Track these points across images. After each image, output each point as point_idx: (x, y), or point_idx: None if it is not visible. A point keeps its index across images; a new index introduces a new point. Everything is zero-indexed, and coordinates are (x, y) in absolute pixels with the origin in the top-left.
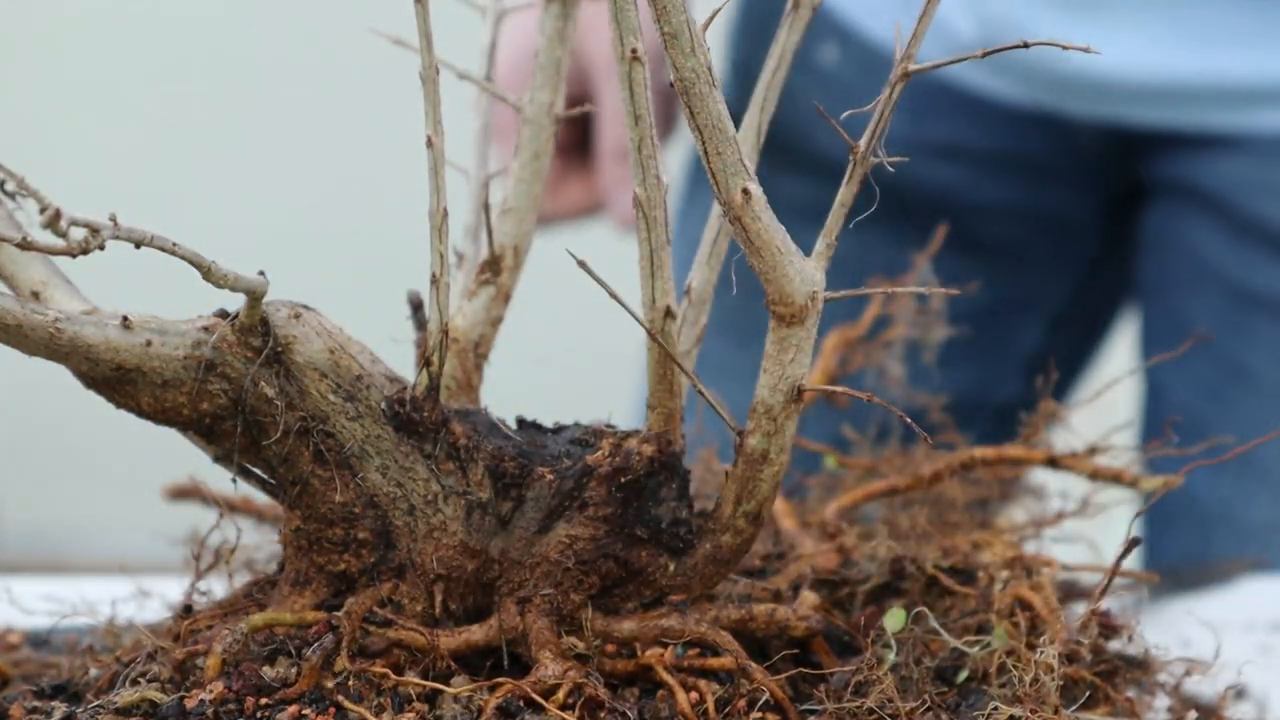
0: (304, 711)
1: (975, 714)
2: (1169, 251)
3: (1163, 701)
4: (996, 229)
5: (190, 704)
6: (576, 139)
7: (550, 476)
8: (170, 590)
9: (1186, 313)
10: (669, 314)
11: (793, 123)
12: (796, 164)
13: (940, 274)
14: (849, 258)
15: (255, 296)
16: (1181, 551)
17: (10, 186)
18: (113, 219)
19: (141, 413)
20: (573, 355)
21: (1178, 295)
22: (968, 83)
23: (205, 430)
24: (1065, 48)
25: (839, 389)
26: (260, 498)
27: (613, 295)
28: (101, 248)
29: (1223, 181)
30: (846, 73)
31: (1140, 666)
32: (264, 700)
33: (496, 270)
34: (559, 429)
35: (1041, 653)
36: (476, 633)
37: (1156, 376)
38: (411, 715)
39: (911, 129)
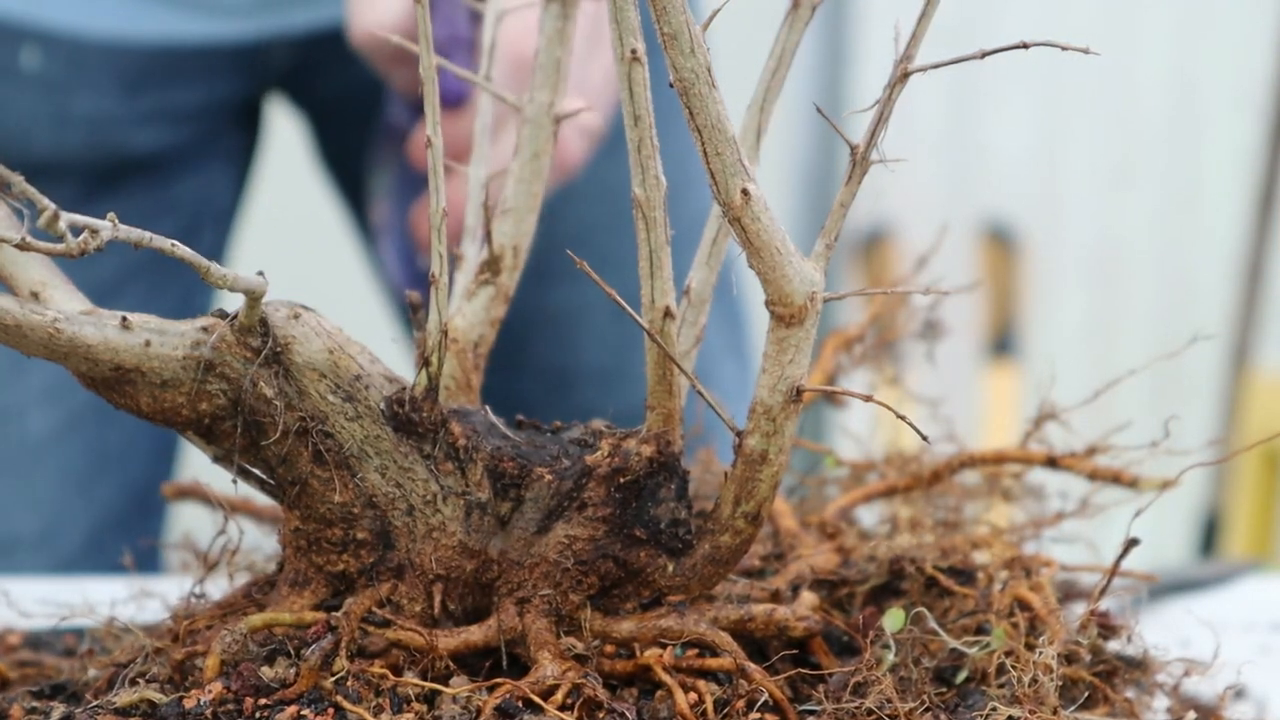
0: (303, 712)
1: (974, 714)
2: None
3: (1162, 702)
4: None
5: (189, 704)
6: None
7: (549, 477)
8: (170, 591)
9: None
10: (668, 314)
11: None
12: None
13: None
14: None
15: (254, 297)
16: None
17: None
18: (112, 219)
19: (141, 413)
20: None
21: None
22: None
23: (204, 430)
24: (1064, 48)
25: (838, 389)
26: (260, 498)
27: (612, 295)
28: (101, 248)
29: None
30: (53, 72)
31: (1139, 667)
32: (263, 701)
33: (496, 270)
34: (558, 429)
35: (1040, 653)
36: (475, 633)
37: None
38: (410, 716)
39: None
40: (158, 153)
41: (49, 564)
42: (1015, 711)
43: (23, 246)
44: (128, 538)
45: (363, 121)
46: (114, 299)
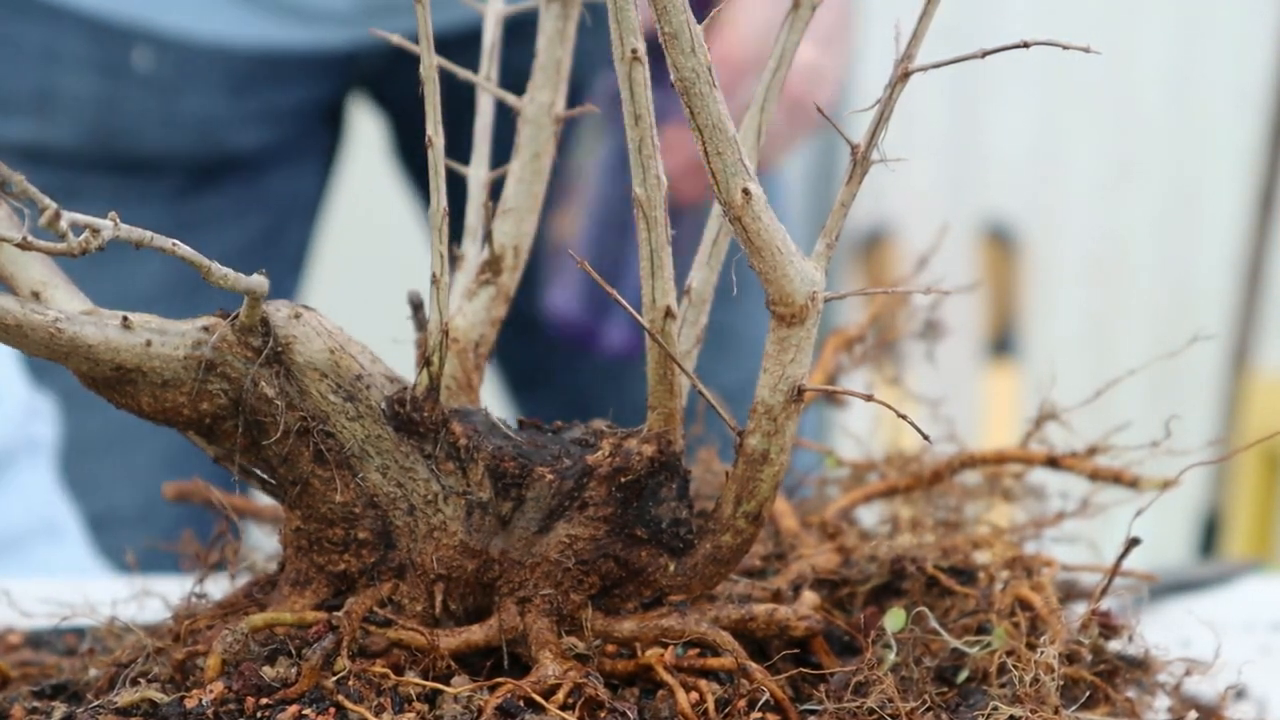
0: (304, 711)
1: (975, 714)
2: None
3: (1163, 702)
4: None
5: (190, 704)
6: None
7: (550, 476)
8: (170, 590)
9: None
10: (669, 314)
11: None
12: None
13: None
14: None
15: (255, 296)
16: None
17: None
18: (113, 219)
19: (142, 413)
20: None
21: None
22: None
23: (205, 430)
24: (1065, 47)
25: (839, 389)
26: (261, 498)
27: (612, 295)
28: (101, 248)
29: None
30: (164, 73)
31: (1140, 667)
32: (264, 700)
33: (496, 270)
34: (559, 429)
35: (1041, 653)
36: (476, 633)
37: None
38: (411, 715)
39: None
40: (255, 151)
41: (147, 539)
42: (1017, 711)
43: (24, 246)
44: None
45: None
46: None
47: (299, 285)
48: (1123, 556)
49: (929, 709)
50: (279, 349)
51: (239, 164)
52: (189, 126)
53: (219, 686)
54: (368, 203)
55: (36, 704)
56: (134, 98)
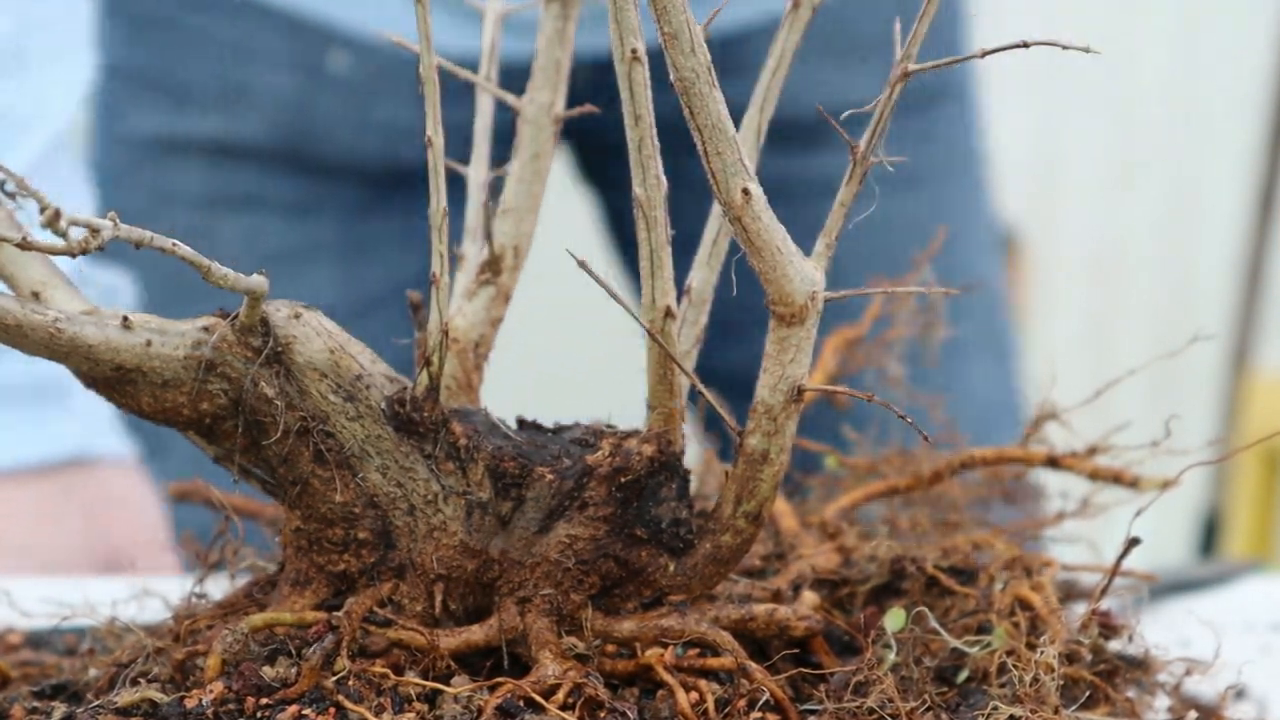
0: (304, 711)
1: (975, 714)
2: None
3: (1163, 702)
4: None
5: (190, 704)
6: None
7: (550, 476)
8: (171, 590)
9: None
10: (669, 314)
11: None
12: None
13: None
14: None
15: (255, 296)
16: None
17: (10, 186)
18: (113, 219)
19: (141, 413)
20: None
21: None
22: None
23: (205, 430)
24: (1065, 48)
25: (839, 389)
26: (261, 498)
27: (613, 295)
28: (101, 248)
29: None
30: (359, 77)
31: (1140, 666)
32: (264, 700)
33: (496, 270)
34: (559, 429)
35: (1042, 653)
36: (476, 633)
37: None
38: (411, 715)
39: None
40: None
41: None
42: (1017, 711)
43: (24, 246)
44: None
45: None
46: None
47: None
48: (1123, 556)
49: (929, 709)
50: (279, 349)
51: (416, 181)
52: (379, 134)
53: (219, 686)
54: None
55: (36, 704)
56: (326, 100)
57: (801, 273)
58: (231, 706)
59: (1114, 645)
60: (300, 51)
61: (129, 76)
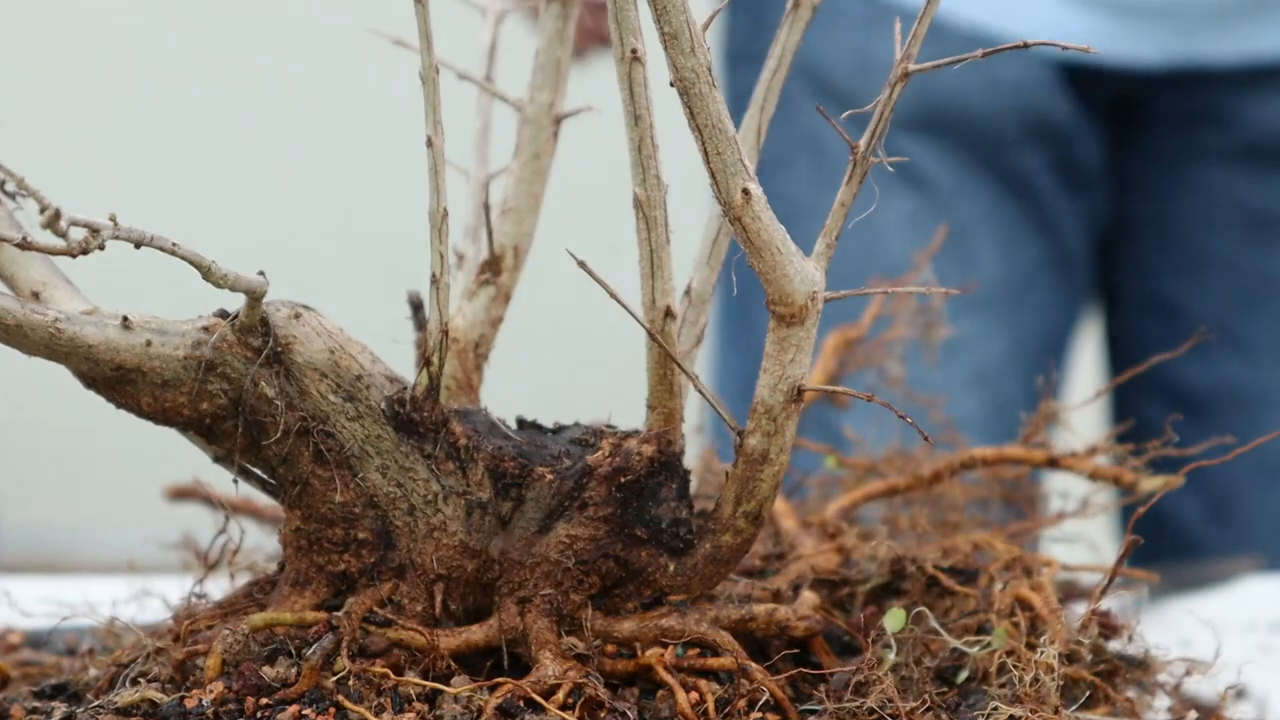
0: (304, 711)
1: (975, 714)
2: (1175, 187)
3: (1163, 701)
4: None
5: (190, 704)
6: None
7: (550, 476)
8: (171, 591)
9: (1204, 240)
10: (669, 314)
11: None
12: None
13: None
14: None
15: (255, 296)
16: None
17: (10, 186)
18: (112, 219)
19: (141, 413)
20: (572, 355)
21: (1190, 226)
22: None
23: (205, 430)
24: (1065, 47)
25: (839, 389)
26: (261, 498)
27: (613, 295)
28: (101, 248)
29: (1238, 114)
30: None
31: (1140, 666)
32: (264, 700)
33: (496, 270)
34: (559, 429)
35: (1042, 653)
36: (476, 633)
37: (1171, 299)
38: (412, 715)
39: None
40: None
41: None
42: (1017, 711)
43: (24, 246)
44: None
45: None
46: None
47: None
48: (1123, 556)
49: (929, 709)
50: (279, 349)
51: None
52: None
53: (219, 686)
54: (367, 202)
55: (36, 704)
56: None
57: (801, 273)
58: (231, 706)
59: (1114, 645)
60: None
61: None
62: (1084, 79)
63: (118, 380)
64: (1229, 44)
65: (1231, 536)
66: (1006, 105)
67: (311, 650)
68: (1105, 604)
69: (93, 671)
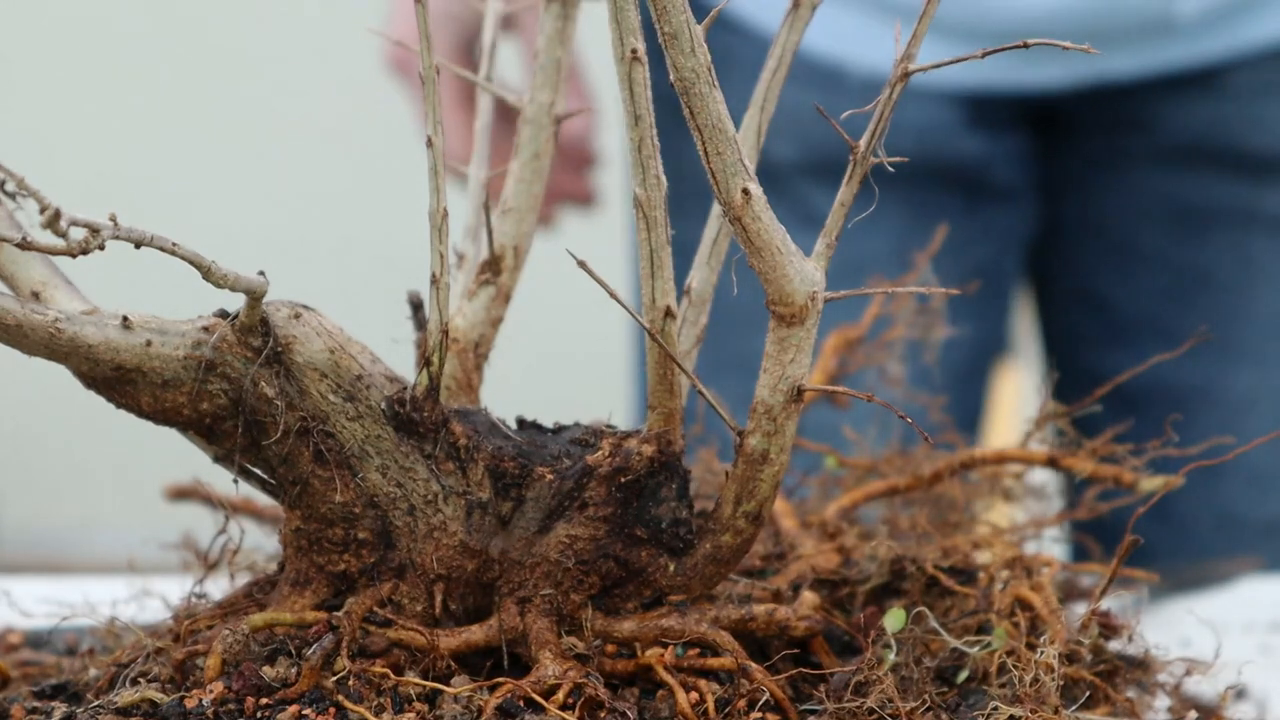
0: (304, 711)
1: (975, 714)
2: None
3: (1163, 701)
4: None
5: (190, 704)
6: None
7: (550, 476)
8: (171, 591)
9: (1134, 236)
10: (669, 314)
11: None
12: None
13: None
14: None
15: (255, 296)
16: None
17: (10, 186)
18: (113, 219)
19: (141, 413)
20: (572, 355)
21: (1120, 223)
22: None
23: (205, 430)
24: (1066, 48)
25: (839, 389)
26: (261, 498)
27: (613, 295)
28: (101, 248)
29: (1159, 118)
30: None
31: (1140, 666)
32: (264, 700)
33: (496, 270)
34: (559, 429)
35: (1042, 653)
36: (477, 633)
37: (1101, 294)
38: (412, 715)
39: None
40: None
41: None
42: (1017, 711)
43: (24, 246)
44: None
45: None
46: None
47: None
48: (1123, 556)
49: (929, 709)
50: (279, 349)
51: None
52: (910, 135)
53: (219, 686)
54: (367, 202)
55: (36, 704)
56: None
57: (802, 273)
58: (232, 706)
59: (1114, 645)
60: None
61: None
62: (992, 109)
63: (118, 380)
64: (1134, 60)
65: (1169, 535)
66: (908, 150)
67: (311, 650)
68: (1105, 604)
69: (93, 671)
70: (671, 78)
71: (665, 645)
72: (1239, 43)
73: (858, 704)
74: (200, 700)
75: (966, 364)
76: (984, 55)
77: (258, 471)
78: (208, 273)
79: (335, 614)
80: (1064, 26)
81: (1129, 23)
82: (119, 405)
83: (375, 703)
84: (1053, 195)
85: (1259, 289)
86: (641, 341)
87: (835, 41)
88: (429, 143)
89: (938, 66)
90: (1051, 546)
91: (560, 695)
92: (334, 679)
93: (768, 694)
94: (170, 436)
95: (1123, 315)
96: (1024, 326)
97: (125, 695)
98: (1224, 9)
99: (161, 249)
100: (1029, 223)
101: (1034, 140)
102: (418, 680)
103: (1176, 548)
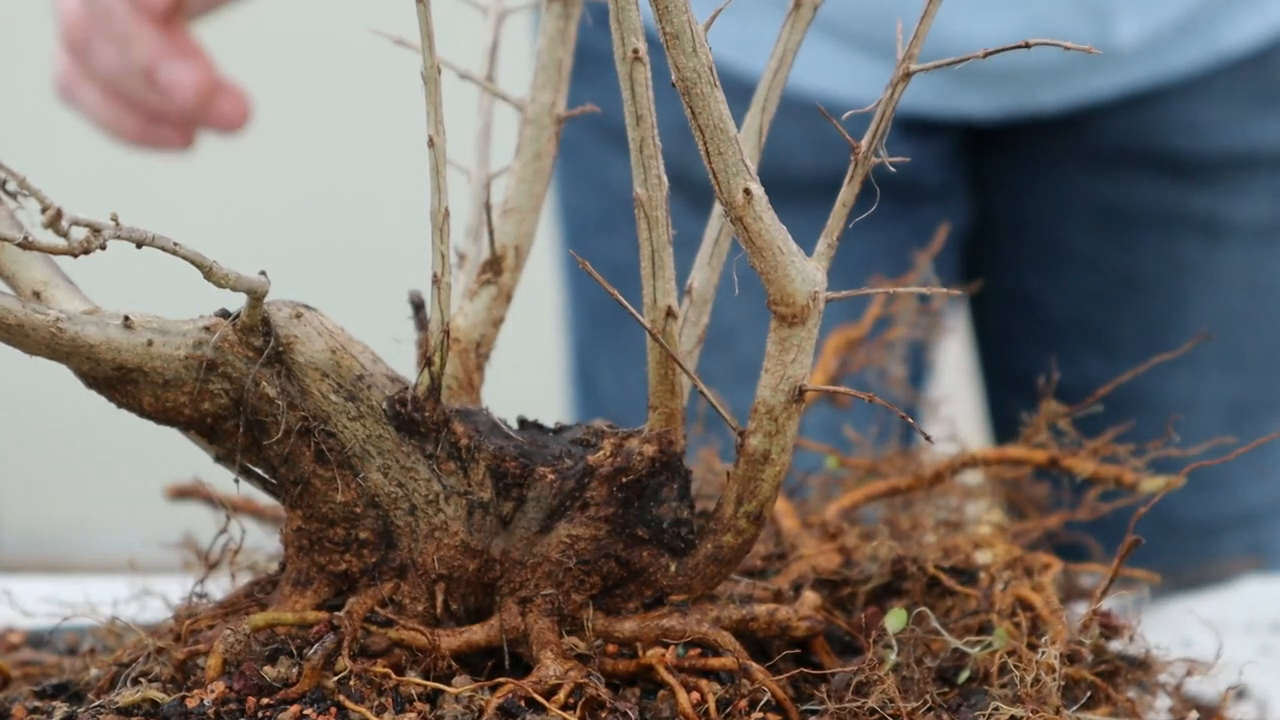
0: (305, 711)
1: (976, 714)
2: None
3: (1164, 702)
4: None
5: (191, 704)
6: None
7: (552, 476)
8: (172, 590)
9: (1063, 236)
10: (670, 314)
11: None
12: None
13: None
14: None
15: (256, 296)
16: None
17: (12, 186)
18: (114, 219)
19: (143, 412)
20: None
21: (1048, 223)
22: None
23: (207, 430)
24: (1067, 48)
25: (840, 389)
26: (262, 498)
27: (614, 295)
28: (103, 248)
29: (1091, 125)
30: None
31: (1141, 667)
32: (265, 700)
33: (498, 270)
34: (560, 429)
35: (1043, 653)
36: (478, 633)
37: (1032, 294)
38: (413, 715)
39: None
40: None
41: None
42: (1018, 711)
43: (25, 246)
44: None
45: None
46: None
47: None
48: (1124, 556)
49: (930, 709)
50: (280, 349)
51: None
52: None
53: (220, 686)
54: (369, 202)
55: (38, 704)
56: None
57: (803, 273)
58: (233, 706)
59: (1115, 645)
60: None
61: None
62: (920, 130)
63: (119, 380)
64: (1061, 93)
65: (1109, 538)
66: (835, 165)
67: (313, 650)
68: (1106, 604)
69: (94, 671)
70: (674, 78)
71: (666, 645)
72: (1174, 66)
73: (859, 704)
74: (201, 700)
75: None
76: (984, 55)
77: (259, 471)
78: (209, 273)
79: (336, 614)
80: (995, 60)
81: (1062, 57)
82: (120, 405)
83: (376, 702)
84: (983, 194)
85: (1189, 292)
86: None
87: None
88: (430, 142)
89: (938, 66)
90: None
91: (561, 695)
92: (335, 679)
93: (769, 694)
94: (171, 436)
95: (1052, 316)
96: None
97: (126, 695)
98: (1164, 36)
99: (163, 249)
100: (961, 221)
101: (963, 138)
102: (419, 680)
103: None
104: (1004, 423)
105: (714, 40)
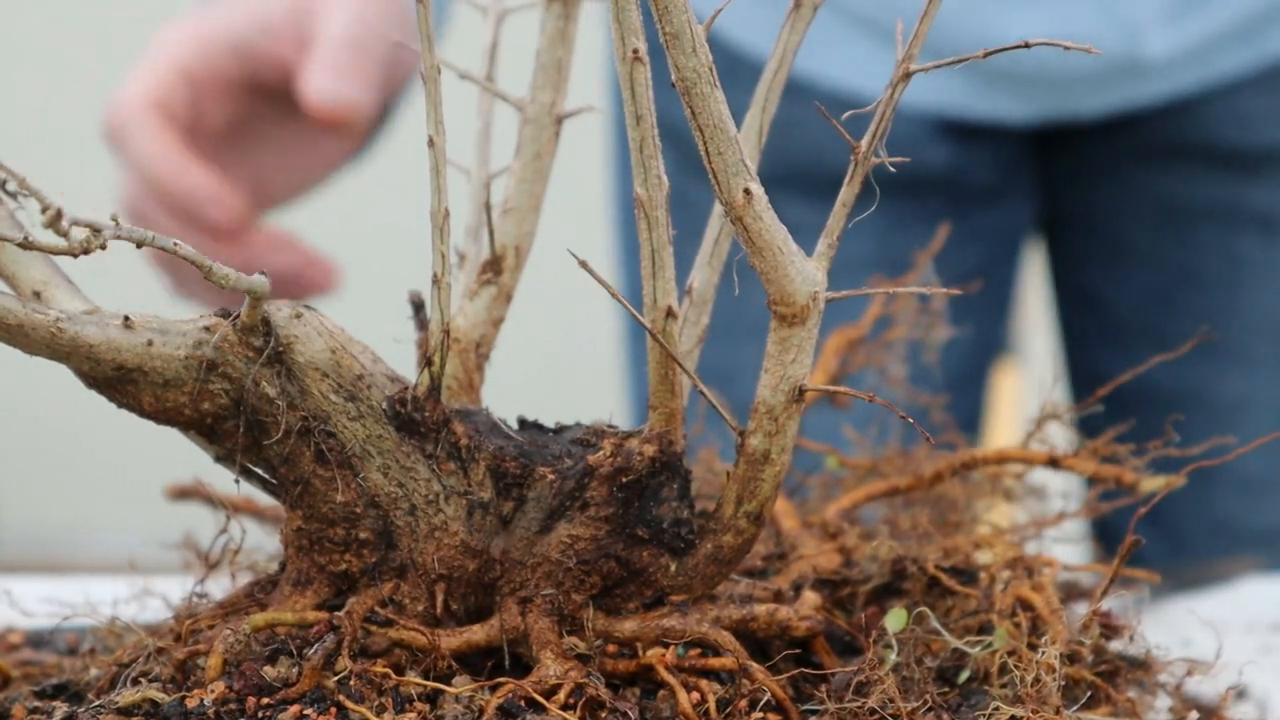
0: (305, 711)
1: (976, 714)
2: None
3: (1164, 702)
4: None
5: (192, 704)
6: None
7: (551, 476)
8: (172, 590)
9: (1125, 233)
10: (670, 314)
11: None
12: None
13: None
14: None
15: (256, 296)
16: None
17: (12, 186)
18: (114, 219)
19: (143, 412)
20: (573, 354)
21: (1111, 220)
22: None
23: (206, 430)
24: (1067, 48)
25: (841, 389)
26: (262, 498)
27: (614, 295)
28: (103, 247)
29: (1147, 123)
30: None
31: (1142, 667)
32: (265, 700)
33: (498, 270)
34: (560, 429)
35: (1043, 653)
36: (478, 633)
37: (1096, 292)
38: (413, 715)
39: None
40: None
41: None
42: (1018, 711)
43: (25, 246)
44: None
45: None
46: None
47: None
48: (1124, 556)
49: (930, 709)
50: (280, 349)
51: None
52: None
53: (220, 686)
54: (369, 202)
55: (38, 704)
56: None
57: (803, 273)
58: (233, 706)
59: (1115, 645)
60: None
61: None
62: (959, 131)
63: (119, 380)
64: (1100, 100)
65: (1163, 541)
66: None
67: (313, 650)
68: (1106, 604)
69: (94, 671)
70: (673, 77)
71: (666, 645)
72: (1212, 75)
73: (859, 704)
74: (201, 700)
75: (965, 366)
76: (985, 55)
77: (259, 471)
78: (209, 273)
79: (336, 614)
80: (1028, 65)
81: (1095, 66)
82: (120, 405)
83: (376, 702)
84: (1049, 193)
85: (1246, 288)
86: (637, 341)
87: (802, 56)
88: (430, 142)
89: (938, 67)
90: (1060, 548)
91: (561, 695)
92: (335, 679)
93: (769, 694)
94: (171, 436)
95: (1116, 315)
96: (1026, 326)
97: (126, 695)
98: (1196, 50)
99: (163, 249)
100: (1023, 222)
101: (1029, 142)
102: (419, 680)
103: (1171, 554)
104: (1084, 424)
105: (736, 28)
